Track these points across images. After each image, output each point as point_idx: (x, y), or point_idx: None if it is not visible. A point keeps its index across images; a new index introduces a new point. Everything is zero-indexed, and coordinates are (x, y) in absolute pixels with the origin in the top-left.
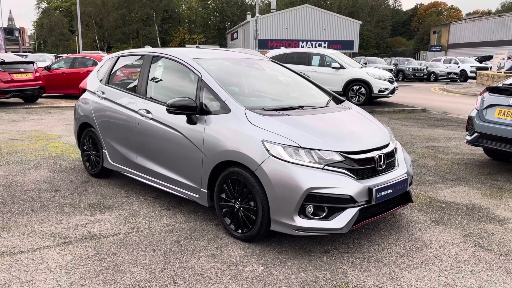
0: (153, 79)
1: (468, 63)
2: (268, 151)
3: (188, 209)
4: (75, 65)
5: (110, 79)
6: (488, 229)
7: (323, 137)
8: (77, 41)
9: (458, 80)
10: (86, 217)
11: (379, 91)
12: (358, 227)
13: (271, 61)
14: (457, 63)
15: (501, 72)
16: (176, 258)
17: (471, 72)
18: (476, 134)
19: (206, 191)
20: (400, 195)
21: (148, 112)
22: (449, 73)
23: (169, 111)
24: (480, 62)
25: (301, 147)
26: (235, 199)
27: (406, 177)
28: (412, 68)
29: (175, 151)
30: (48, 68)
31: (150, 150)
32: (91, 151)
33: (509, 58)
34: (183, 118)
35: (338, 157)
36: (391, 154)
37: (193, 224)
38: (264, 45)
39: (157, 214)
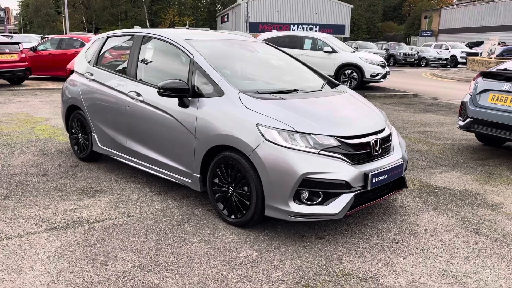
0: (143, 60)
1: (459, 49)
2: (262, 135)
3: (180, 194)
4: (62, 46)
5: (98, 60)
6: (482, 214)
7: (318, 122)
8: (63, 22)
9: (448, 66)
10: (75, 202)
11: (371, 75)
12: (353, 213)
13: (265, 43)
14: (448, 49)
15: (491, 58)
16: (168, 244)
17: (461, 57)
18: (469, 119)
19: (199, 176)
20: (395, 180)
21: (139, 94)
22: (439, 59)
23: (160, 94)
24: (470, 48)
25: (296, 131)
26: (229, 184)
27: (402, 162)
28: (403, 53)
29: (166, 135)
30: (34, 49)
31: (141, 133)
32: (80, 134)
33: (499, 44)
34: (175, 101)
35: (333, 142)
36: (387, 139)
37: (185, 209)
38: (255, 28)
39: (148, 199)
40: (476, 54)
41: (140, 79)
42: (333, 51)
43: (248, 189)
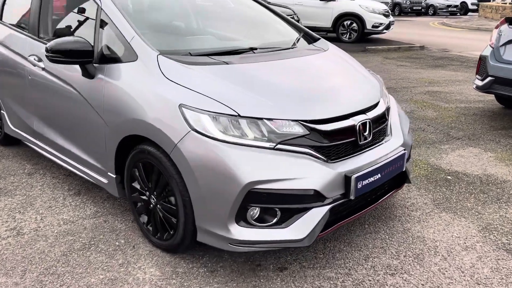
0: (46, 11)
1: None
2: (188, 122)
3: (106, 195)
4: None
5: (3, 14)
6: None
7: (277, 98)
8: None
9: (458, 14)
10: None
11: (373, 26)
12: (329, 233)
13: None
14: None
15: (506, 3)
16: None
17: (472, 4)
18: (489, 78)
19: (114, 176)
20: (394, 176)
21: (40, 60)
22: (448, 6)
23: (50, 59)
24: None
25: (239, 115)
26: (150, 191)
27: (403, 152)
28: (410, 1)
29: (72, 116)
30: None
31: (47, 113)
32: None
33: None
34: (79, 68)
35: (298, 129)
36: (382, 119)
37: (102, 220)
38: None
39: (59, 204)
40: (488, 0)
41: (42, 38)
42: None
43: (175, 201)
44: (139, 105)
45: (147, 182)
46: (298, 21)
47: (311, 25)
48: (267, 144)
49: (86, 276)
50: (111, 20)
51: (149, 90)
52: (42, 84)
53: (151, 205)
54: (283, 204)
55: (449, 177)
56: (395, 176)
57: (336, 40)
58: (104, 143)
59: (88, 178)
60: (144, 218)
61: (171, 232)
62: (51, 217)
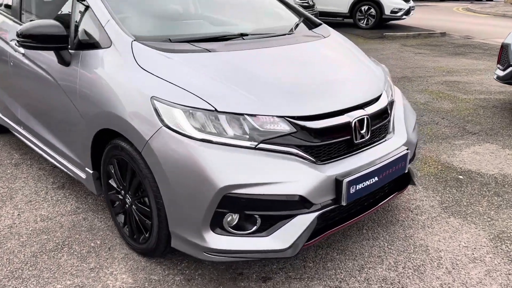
0: None
1: None
2: (160, 117)
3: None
4: None
5: None
6: None
7: (261, 91)
8: None
9: None
10: None
11: (392, 12)
12: (316, 243)
13: None
14: None
15: None
16: None
17: None
18: (511, 68)
19: (92, 171)
20: (395, 178)
21: None
22: None
23: (22, 44)
24: None
25: (217, 110)
26: (125, 190)
27: (406, 152)
28: None
29: (51, 106)
30: None
31: (29, 102)
32: None
33: None
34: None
35: (284, 127)
36: (384, 114)
37: (81, 217)
38: None
39: (40, 198)
40: None
41: (24, 21)
42: None
43: (149, 203)
44: (111, 96)
45: (122, 180)
46: (313, 6)
47: (327, 10)
48: (248, 143)
49: (52, 281)
50: (88, 3)
51: (121, 80)
52: (23, 70)
53: (127, 205)
54: (263, 211)
55: (461, 176)
56: (396, 177)
57: (353, 26)
58: (80, 136)
59: (69, 172)
60: (121, 218)
61: (146, 235)
62: (28, 213)
